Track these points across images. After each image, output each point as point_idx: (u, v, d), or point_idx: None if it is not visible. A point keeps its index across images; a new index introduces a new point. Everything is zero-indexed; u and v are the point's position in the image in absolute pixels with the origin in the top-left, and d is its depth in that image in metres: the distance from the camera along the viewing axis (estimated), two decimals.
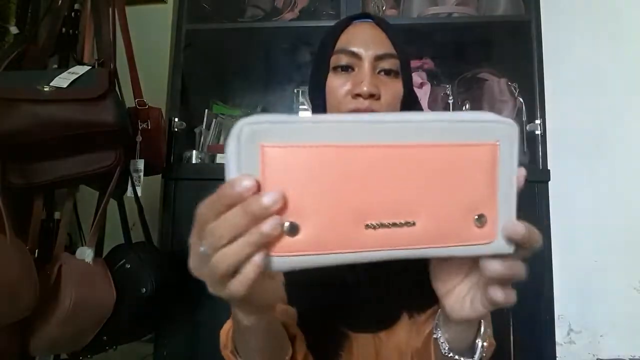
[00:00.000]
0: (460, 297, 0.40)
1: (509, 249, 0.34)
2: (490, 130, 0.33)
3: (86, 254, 0.93)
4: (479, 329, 0.46)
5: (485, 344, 0.45)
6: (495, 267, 0.35)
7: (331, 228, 0.30)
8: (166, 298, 0.96)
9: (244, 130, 0.29)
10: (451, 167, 0.33)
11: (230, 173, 0.30)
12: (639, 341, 1.35)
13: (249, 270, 0.30)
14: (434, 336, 0.47)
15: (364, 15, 0.66)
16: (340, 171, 0.30)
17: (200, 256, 0.32)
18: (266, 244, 0.29)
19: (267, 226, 0.28)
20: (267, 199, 0.28)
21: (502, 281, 0.36)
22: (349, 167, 0.31)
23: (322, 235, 0.30)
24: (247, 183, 0.29)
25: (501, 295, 0.36)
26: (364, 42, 0.61)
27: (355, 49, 0.60)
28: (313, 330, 0.56)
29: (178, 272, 1.02)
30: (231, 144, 0.30)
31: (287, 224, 0.29)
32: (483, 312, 0.39)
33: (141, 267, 0.98)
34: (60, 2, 1.07)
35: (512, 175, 0.34)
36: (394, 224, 0.31)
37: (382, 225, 0.31)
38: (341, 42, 0.62)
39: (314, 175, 0.30)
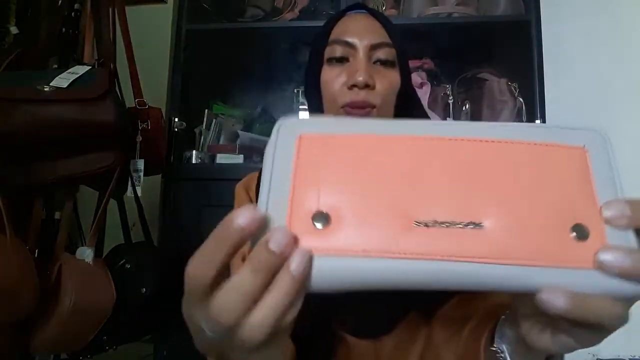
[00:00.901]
0: (539, 323, 0.30)
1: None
2: (573, 136, 0.27)
3: (86, 254, 0.93)
4: None
5: None
6: (559, 304, 0.23)
7: (370, 223, 0.24)
8: (166, 298, 0.96)
9: (283, 124, 0.27)
10: (530, 166, 0.26)
11: (265, 164, 0.26)
12: (639, 341, 1.35)
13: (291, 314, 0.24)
14: (493, 348, 0.39)
15: (358, 6, 0.64)
16: (385, 160, 0.26)
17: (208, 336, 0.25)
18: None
19: (295, 266, 0.23)
20: (277, 238, 0.23)
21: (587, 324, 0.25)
22: (398, 155, 0.26)
23: (358, 231, 0.24)
24: (244, 217, 0.23)
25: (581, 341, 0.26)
26: (358, 32, 0.59)
27: (349, 39, 0.58)
28: (305, 333, 0.47)
29: (178, 272, 1.01)
30: (271, 137, 0.27)
31: (318, 215, 0.25)
32: (569, 350, 0.29)
33: (141, 267, 0.98)
34: (60, 2, 1.07)
35: (616, 190, 0.26)
36: (453, 224, 0.24)
37: (436, 223, 0.24)
38: (335, 33, 0.60)
39: (352, 162, 0.26)
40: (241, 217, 0.24)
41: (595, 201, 0.25)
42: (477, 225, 0.24)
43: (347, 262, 0.24)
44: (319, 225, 0.24)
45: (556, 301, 0.23)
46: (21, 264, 0.81)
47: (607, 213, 0.25)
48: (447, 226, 0.24)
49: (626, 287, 0.23)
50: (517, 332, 0.33)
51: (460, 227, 0.24)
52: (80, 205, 1.08)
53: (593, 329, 0.25)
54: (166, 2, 1.57)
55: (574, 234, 0.24)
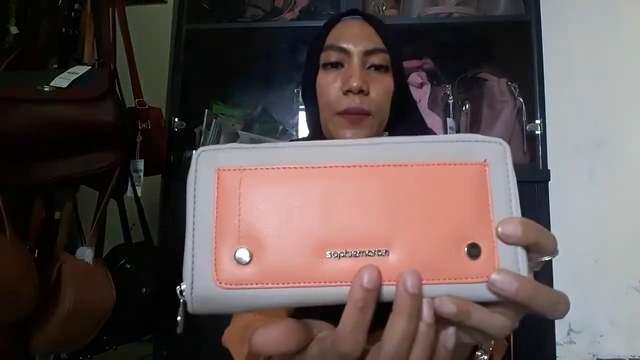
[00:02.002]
0: None
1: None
2: (475, 150, 0.29)
3: (86, 254, 0.93)
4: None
5: (485, 357, 0.39)
6: (449, 309, 0.27)
7: (287, 257, 0.27)
8: (166, 298, 0.96)
9: (201, 155, 0.29)
10: (429, 189, 0.28)
11: (188, 199, 0.28)
12: (639, 341, 1.35)
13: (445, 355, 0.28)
14: None
15: (353, 12, 0.66)
16: (300, 193, 0.28)
17: None
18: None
19: (427, 316, 0.27)
20: (413, 281, 0.26)
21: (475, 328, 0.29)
22: (310, 189, 0.28)
23: (276, 265, 0.27)
24: (368, 278, 0.26)
25: (452, 343, 0.30)
26: (352, 38, 0.60)
27: (344, 45, 0.60)
28: None
29: (178, 272, 1.01)
30: (190, 170, 0.29)
31: (238, 250, 0.27)
32: (479, 342, 0.32)
33: (141, 267, 0.98)
34: (60, 2, 1.07)
35: (511, 203, 0.29)
36: (362, 253, 0.27)
37: (346, 254, 0.27)
38: (330, 39, 0.62)
39: (270, 198, 0.28)
40: (366, 280, 0.26)
41: (490, 219, 0.28)
42: (382, 252, 0.27)
43: (269, 292, 0.27)
44: (241, 260, 0.27)
45: (446, 307, 0.27)
46: (21, 264, 0.81)
47: (500, 230, 0.28)
48: (356, 255, 0.27)
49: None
50: None
51: (367, 256, 0.27)
52: (80, 205, 1.08)
53: (480, 332, 0.29)
54: (166, 2, 1.57)
55: (467, 252, 0.27)
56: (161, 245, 1.18)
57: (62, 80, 0.88)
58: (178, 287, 0.28)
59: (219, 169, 0.28)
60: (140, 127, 1.03)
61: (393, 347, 0.26)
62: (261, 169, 0.28)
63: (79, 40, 1.08)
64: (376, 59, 0.60)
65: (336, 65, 0.61)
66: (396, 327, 0.26)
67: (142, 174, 1.03)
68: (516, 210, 0.29)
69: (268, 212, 0.27)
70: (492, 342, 0.40)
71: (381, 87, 0.60)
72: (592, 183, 1.41)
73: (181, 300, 0.28)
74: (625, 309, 1.35)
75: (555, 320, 1.09)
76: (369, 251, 0.27)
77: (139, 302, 0.94)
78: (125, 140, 0.98)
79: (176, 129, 1.24)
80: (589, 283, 1.37)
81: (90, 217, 1.00)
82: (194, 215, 0.28)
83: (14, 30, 1.17)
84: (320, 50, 0.62)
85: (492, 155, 0.29)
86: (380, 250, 0.27)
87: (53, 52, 1.06)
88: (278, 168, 0.28)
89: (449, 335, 0.28)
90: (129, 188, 1.03)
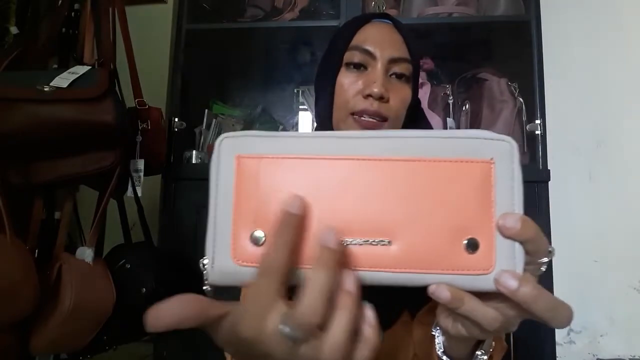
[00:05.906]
0: (447, 309, 0.35)
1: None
2: (484, 147, 0.30)
3: (86, 254, 0.92)
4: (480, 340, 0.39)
5: (485, 357, 0.40)
6: (443, 295, 0.29)
7: (297, 241, 0.29)
8: (166, 298, 0.96)
9: (223, 142, 0.31)
10: (435, 184, 0.29)
11: (211, 183, 0.31)
12: (639, 341, 1.35)
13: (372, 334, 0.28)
14: (432, 332, 0.44)
15: (383, 16, 0.65)
16: (312, 182, 0.29)
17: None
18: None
19: (349, 285, 0.27)
20: (329, 236, 0.27)
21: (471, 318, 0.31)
22: (321, 179, 0.29)
23: None
24: (295, 203, 0.28)
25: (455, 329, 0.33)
26: (380, 43, 0.59)
27: (370, 48, 0.59)
28: None
29: (178, 272, 1.01)
30: (213, 156, 0.31)
31: (254, 232, 0.29)
32: (462, 337, 0.34)
33: (141, 267, 0.97)
34: (60, 2, 1.07)
35: (514, 200, 0.30)
36: (366, 242, 0.29)
37: (352, 243, 0.29)
38: (357, 40, 0.61)
39: (284, 185, 0.29)
40: (294, 207, 0.28)
41: (492, 215, 0.29)
42: (385, 242, 0.29)
43: None
44: (257, 241, 0.29)
45: (441, 293, 0.29)
46: (21, 264, 0.81)
47: (500, 222, 0.29)
48: (361, 244, 0.29)
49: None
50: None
51: (371, 245, 0.29)
52: (80, 205, 1.08)
53: (473, 323, 0.31)
54: (166, 2, 1.57)
55: (466, 246, 0.29)
56: (161, 245, 1.18)
57: (62, 80, 0.88)
58: (201, 260, 0.30)
59: (239, 156, 0.30)
60: (140, 127, 1.03)
61: (312, 298, 0.26)
62: (278, 157, 0.30)
63: (79, 40, 1.07)
64: (399, 68, 0.59)
65: (359, 66, 0.60)
66: (315, 279, 0.27)
67: (142, 174, 1.03)
68: (518, 208, 0.29)
69: (283, 198, 0.29)
70: (493, 343, 0.41)
71: (400, 97, 0.59)
72: (592, 183, 1.41)
73: (204, 273, 0.30)
74: (625, 309, 1.35)
75: None
76: (373, 240, 0.29)
77: (139, 302, 0.94)
78: (125, 140, 0.98)
79: (176, 129, 1.24)
80: (588, 283, 1.37)
81: (90, 217, 0.99)
82: (216, 198, 0.31)
83: (14, 30, 1.17)
84: (345, 48, 0.61)
85: (499, 153, 0.30)
86: (383, 240, 0.29)
87: (53, 52, 1.06)
88: (294, 158, 0.30)
89: (370, 315, 0.28)
90: (129, 188, 1.03)
